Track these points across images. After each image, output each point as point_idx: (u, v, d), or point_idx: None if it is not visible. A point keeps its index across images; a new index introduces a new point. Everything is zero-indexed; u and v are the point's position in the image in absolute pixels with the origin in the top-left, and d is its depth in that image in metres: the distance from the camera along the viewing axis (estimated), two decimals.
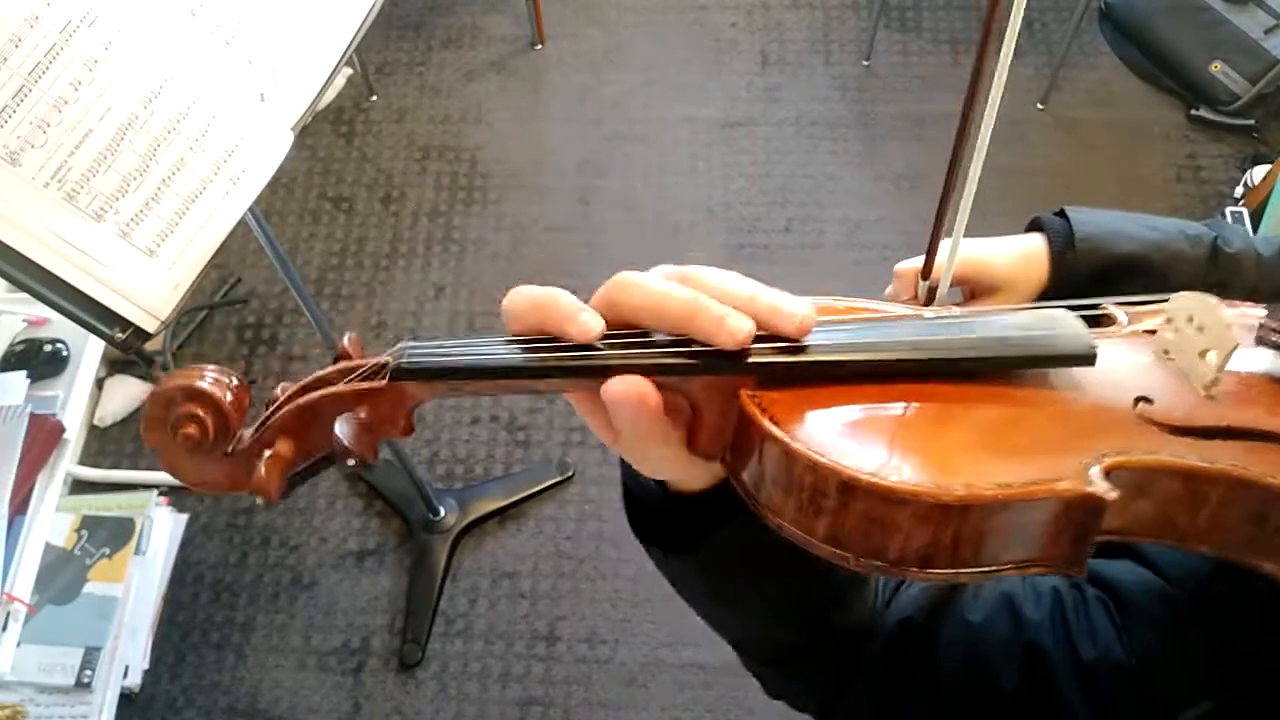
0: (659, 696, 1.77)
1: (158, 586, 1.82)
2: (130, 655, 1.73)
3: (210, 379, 0.42)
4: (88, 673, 1.62)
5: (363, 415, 0.42)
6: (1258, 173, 2.16)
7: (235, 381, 0.42)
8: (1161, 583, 0.52)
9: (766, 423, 0.39)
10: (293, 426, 0.43)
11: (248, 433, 0.43)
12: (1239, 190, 2.20)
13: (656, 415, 0.40)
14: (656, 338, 0.42)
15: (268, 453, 0.42)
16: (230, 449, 0.43)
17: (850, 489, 0.38)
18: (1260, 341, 0.46)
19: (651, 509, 0.51)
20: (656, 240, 2.21)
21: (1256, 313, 0.49)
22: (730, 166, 2.32)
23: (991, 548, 0.39)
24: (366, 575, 1.89)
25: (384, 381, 0.42)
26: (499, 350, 0.42)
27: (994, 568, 0.40)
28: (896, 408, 0.42)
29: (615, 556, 1.88)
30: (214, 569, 1.91)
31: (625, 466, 0.51)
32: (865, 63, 2.45)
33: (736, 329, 0.39)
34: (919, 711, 0.56)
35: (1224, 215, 2.07)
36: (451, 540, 1.87)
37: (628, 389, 0.39)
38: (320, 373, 0.43)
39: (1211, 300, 0.44)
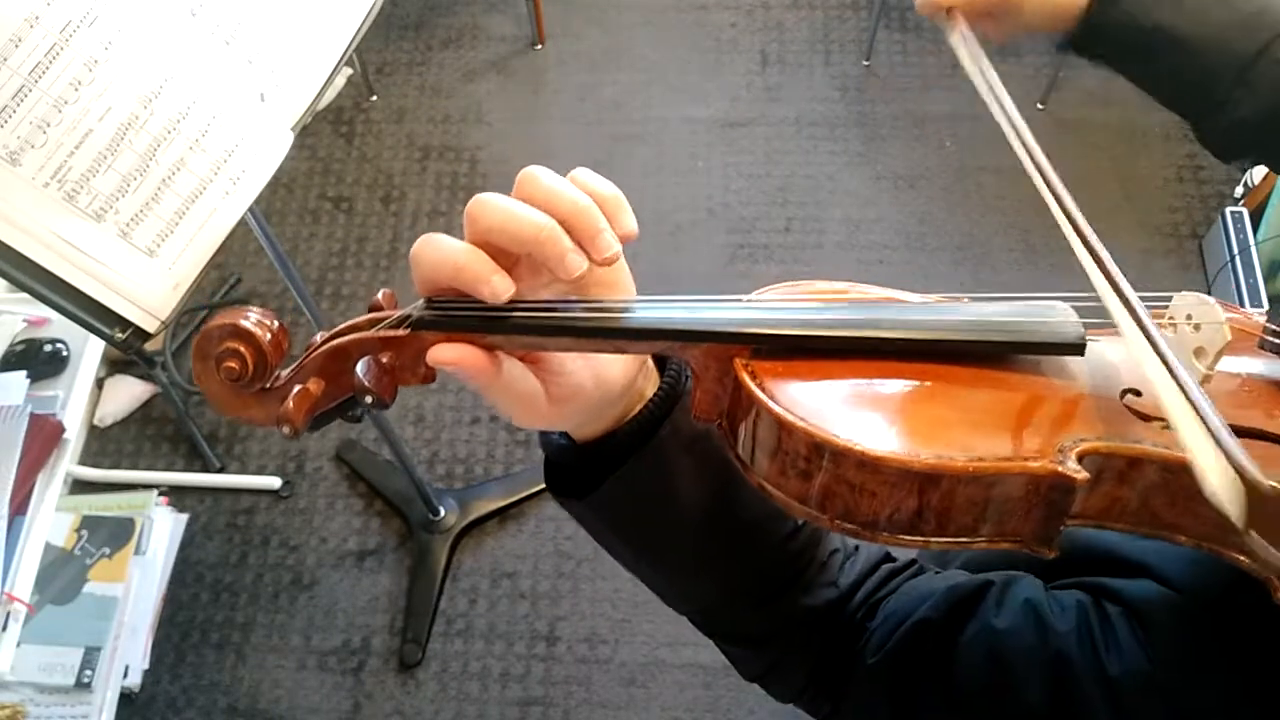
0: (659, 696, 1.77)
1: (158, 586, 1.82)
2: (130, 655, 1.73)
3: (254, 319, 0.45)
4: (88, 673, 1.62)
5: (385, 359, 0.45)
6: (1258, 173, 2.15)
7: (277, 324, 0.46)
8: (1181, 599, 0.51)
9: (754, 387, 0.41)
10: (323, 367, 0.46)
11: (284, 373, 0.47)
12: (1239, 190, 2.20)
13: (478, 375, 0.44)
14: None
15: (298, 388, 0.45)
16: (267, 385, 0.46)
17: (824, 451, 0.39)
18: (1262, 346, 0.47)
19: (558, 462, 0.55)
20: (656, 240, 2.21)
21: (1258, 318, 0.49)
22: (730, 166, 2.32)
23: (962, 519, 0.40)
24: (366, 575, 1.89)
25: (407, 331, 0.45)
26: (515, 309, 0.45)
27: (965, 539, 0.40)
28: (884, 383, 0.43)
29: None
30: (214, 569, 1.91)
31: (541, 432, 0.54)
32: (865, 63, 2.45)
33: (574, 265, 0.42)
34: (933, 712, 0.55)
35: (1224, 215, 2.06)
36: (451, 540, 1.87)
37: (442, 358, 0.44)
38: (353, 321, 0.47)
39: (1210, 300, 0.44)
